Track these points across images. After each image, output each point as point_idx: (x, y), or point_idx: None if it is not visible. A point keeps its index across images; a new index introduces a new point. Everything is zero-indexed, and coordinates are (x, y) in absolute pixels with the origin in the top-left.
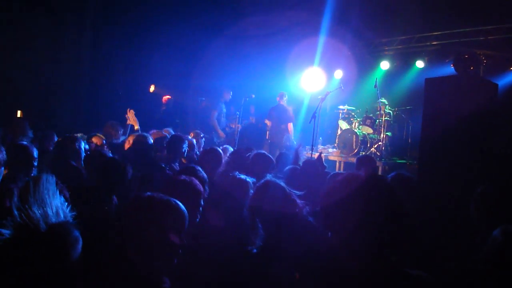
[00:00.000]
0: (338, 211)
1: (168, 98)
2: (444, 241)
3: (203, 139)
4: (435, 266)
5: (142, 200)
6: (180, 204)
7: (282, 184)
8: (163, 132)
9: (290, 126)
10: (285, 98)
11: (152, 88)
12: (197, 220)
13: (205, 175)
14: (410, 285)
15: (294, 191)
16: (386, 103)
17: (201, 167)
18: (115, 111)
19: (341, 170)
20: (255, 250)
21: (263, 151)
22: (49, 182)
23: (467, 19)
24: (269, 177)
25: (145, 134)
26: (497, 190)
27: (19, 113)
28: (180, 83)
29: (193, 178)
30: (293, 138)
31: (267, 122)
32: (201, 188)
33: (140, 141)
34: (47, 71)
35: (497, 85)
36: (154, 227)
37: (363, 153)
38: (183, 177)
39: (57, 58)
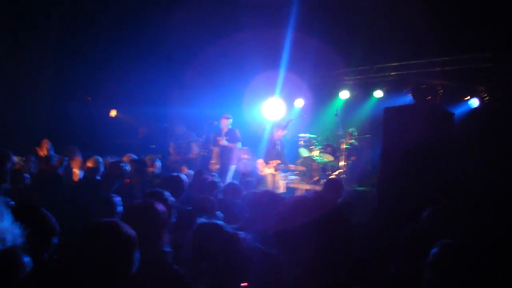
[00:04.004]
0: (289, 234)
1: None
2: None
3: (159, 162)
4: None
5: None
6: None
7: (219, 222)
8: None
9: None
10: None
11: (113, 113)
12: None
13: (171, 199)
14: None
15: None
16: (356, 133)
17: None
18: (74, 135)
19: None
20: None
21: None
22: None
23: (424, 51)
24: (201, 219)
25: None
26: (445, 210)
27: None
28: (142, 109)
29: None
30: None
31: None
32: (160, 211)
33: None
34: (4, 94)
35: (453, 114)
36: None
37: (324, 180)
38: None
39: (16, 81)
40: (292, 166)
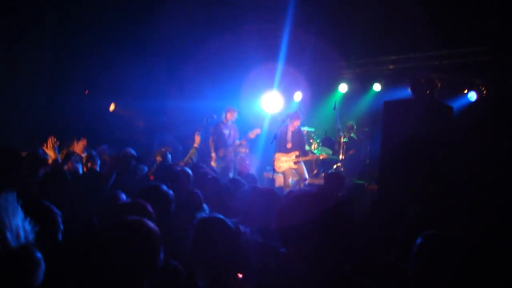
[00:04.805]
0: (293, 228)
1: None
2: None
3: (170, 155)
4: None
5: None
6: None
7: (221, 216)
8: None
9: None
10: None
11: (112, 107)
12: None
13: (170, 192)
14: None
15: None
16: (355, 126)
17: None
18: (72, 128)
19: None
20: None
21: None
22: (8, 201)
23: (422, 44)
24: (204, 214)
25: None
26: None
27: None
28: (141, 103)
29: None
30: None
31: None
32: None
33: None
34: (2, 86)
35: (452, 107)
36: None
37: (323, 174)
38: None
39: (14, 73)
40: (312, 156)
